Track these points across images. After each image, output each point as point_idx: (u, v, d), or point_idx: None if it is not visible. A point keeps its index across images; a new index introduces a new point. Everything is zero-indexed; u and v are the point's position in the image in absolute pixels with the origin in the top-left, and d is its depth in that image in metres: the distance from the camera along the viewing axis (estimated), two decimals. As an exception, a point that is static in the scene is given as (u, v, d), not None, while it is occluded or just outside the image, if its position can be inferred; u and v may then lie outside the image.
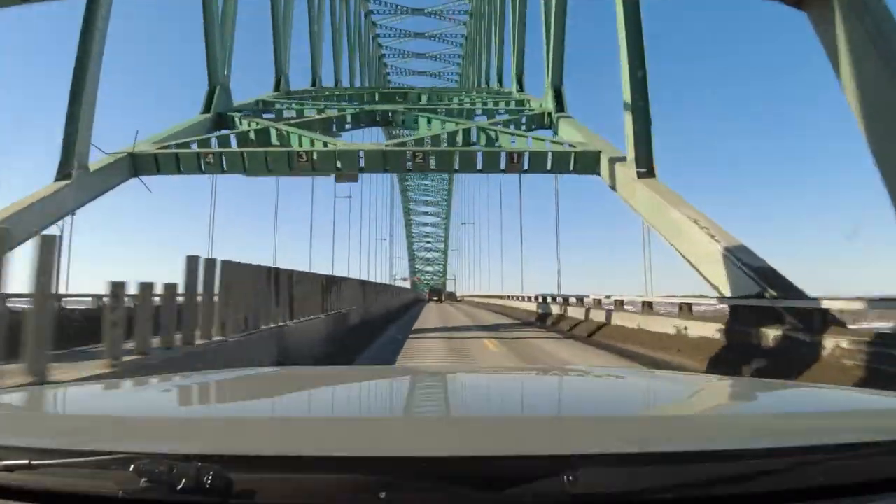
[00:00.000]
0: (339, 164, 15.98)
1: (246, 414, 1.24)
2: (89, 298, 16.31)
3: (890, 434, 0.88)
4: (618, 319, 15.39)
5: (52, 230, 12.92)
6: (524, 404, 1.44)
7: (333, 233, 39.19)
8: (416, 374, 2.12)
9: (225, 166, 16.08)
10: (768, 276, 10.11)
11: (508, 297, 37.18)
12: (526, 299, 30.52)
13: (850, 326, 9.00)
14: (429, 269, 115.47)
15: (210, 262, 6.80)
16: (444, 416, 1.22)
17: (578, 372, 2.19)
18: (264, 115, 21.18)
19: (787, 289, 9.74)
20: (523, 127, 19.55)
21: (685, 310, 12.83)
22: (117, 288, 4.87)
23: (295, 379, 1.84)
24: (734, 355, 9.32)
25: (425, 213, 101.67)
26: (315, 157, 15.92)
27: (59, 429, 0.94)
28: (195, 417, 1.14)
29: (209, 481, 0.74)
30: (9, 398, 1.27)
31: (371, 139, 33.22)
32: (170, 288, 6.06)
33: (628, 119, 13.92)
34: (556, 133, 18.80)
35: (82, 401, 1.35)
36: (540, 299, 26.60)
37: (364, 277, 39.12)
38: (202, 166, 16.00)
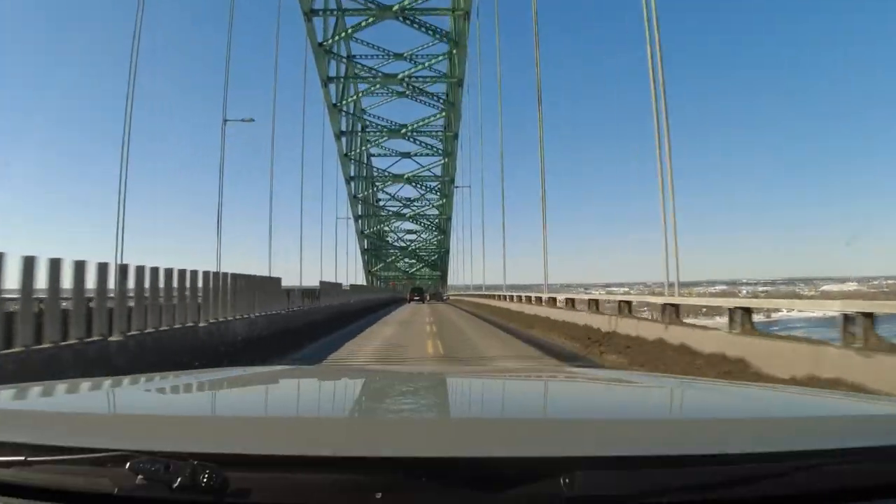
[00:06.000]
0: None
1: (242, 413, 1.24)
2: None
3: (885, 439, 0.88)
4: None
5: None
6: (521, 406, 1.44)
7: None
8: (413, 375, 2.12)
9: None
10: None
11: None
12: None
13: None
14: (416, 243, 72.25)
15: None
16: (441, 417, 1.22)
17: (576, 374, 2.16)
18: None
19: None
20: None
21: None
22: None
23: (291, 379, 1.84)
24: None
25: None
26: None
27: (55, 426, 0.93)
28: (192, 416, 1.14)
29: (205, 480, 0.74)
30: (5, 394, 1.27)
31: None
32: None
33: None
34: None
35: (79, 398, 1.34)
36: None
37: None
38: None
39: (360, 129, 53.45)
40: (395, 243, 73.74)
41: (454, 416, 1.25)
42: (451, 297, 61.71)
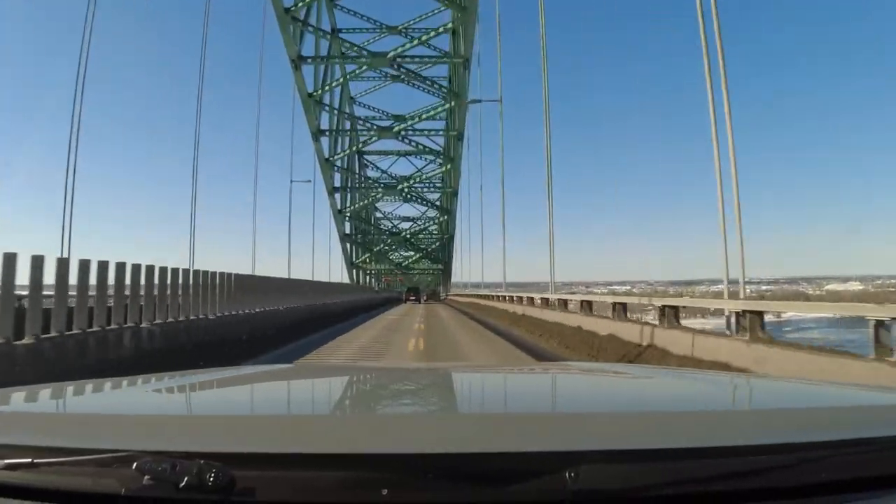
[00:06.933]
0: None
1: (248, 411, 1.27)
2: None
3: (888, 430, 0.89)
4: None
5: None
6: (526, 401, 1.45)
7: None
8: (418, 371, 2.15)
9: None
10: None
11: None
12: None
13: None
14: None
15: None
16: (445, 413, 1.22)
17: (579, 369, 2.30)
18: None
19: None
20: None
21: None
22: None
23: (297, 376, 1.88)
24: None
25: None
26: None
27: (61, 427, 0.93)
28: (197, 415, 1.15)
29: (211, 479, 0.74)
30: (10, 396, 1.25)
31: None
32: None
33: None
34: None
35: (85, 399, 1.35)
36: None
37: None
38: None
39: (334, 54, 37.26)
40: (392, 230, 61.26)
41: (458, 412, 1.26)
42: (449, 297, 58.63)
